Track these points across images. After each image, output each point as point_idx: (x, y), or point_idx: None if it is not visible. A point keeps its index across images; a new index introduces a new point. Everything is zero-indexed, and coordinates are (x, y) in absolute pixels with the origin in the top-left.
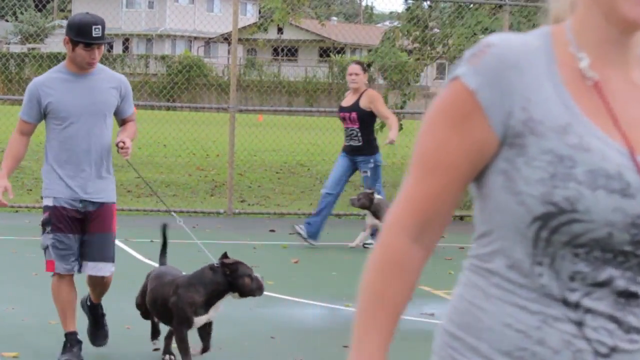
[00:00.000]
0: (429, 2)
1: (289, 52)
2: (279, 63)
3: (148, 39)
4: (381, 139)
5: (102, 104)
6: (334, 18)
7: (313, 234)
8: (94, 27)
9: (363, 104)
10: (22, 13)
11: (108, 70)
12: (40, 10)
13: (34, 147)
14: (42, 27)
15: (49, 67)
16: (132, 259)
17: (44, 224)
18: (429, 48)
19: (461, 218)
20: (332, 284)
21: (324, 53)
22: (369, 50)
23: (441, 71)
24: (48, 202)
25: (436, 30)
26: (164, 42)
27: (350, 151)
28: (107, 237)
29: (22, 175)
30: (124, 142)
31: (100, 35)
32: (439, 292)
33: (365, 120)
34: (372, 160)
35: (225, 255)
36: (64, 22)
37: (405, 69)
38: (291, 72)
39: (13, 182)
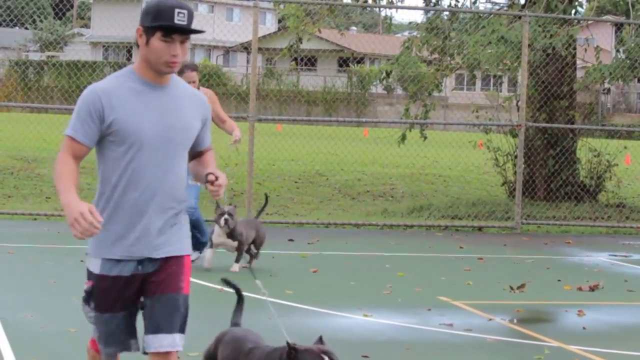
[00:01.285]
0: (448, 13)
1: (308, 61)
2: (298, 72)
3: None
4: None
5: (184, 130)
6: (354, 28)
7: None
8: (177, 10)
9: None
10: (41, 21)
11: (186, 84)
12: (59, 18)
13: (52, 155)
14: (61, 35)
15: (68, 76)
16: None
17: (86, 296)
18: (448, 58)
19: (479, 229)
20: (350, 294)
21: (343, 63)
22: (388, 60)
23: (460, 82)
24: (93, 265)
25: (454, 40)
26: None
27: None
28: (175, 299)
29: (40, 183)
30: (217, 177)
31: (185, 22)
32: (457, 302)
33: None
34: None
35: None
36: (83, 30)
37: (425, 79)
38: (310, 81)
39: (31, 189)
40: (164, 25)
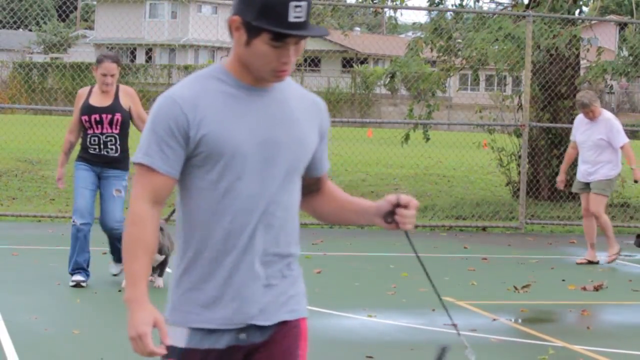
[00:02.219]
0: (452, 13)
1: (312, 62)
2: (302, 73)
3: (171, 49)
4: None
5: (298, 147)
6: (357, 28)
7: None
8: (292, 4)
9: (125, 103)
10: (45, 23)
11: (295, 84)
12: (63, 20)
13: (55, 157)
14: (65, 37)
15: (72, 77)
16: None
17: None
18: (452, 58)
19: (484, 229)
20: (355, 295)
21: (347, 63)
22: (392, 61)
23: (464, 82)
24: (176, 336)
25: (459, 40)
26: (187, 52)
27: (101, 163)
28: None
29: (44, 184)
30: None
31: (303, 19)
32: (462, 302)
33: (127, 125)
34: (126, 178)
35: None
36: (87, 32)
37: (429, 80)
38: (314, 82)
39: (35, 191)
40: (275, 29)
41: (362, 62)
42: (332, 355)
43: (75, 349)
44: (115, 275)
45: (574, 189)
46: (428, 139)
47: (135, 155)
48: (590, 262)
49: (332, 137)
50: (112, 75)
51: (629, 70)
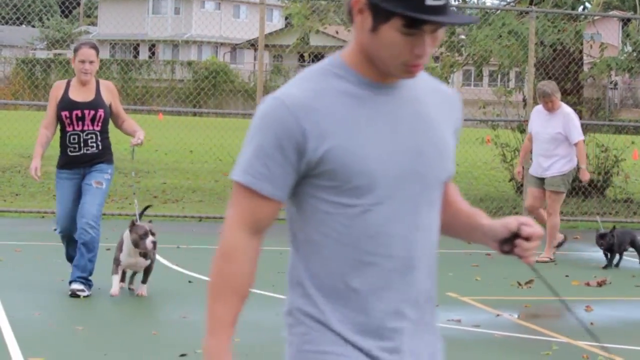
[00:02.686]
0: (454, 8)
1: (316, 57)
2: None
3: (174, 45)
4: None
5: (440, 155)
6: None
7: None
8: None
9: (106, 98)
10: (48, 19)
11: (425, 75)
12: (66, 16)
13: (58, 153)
14: (68, 33)
15: (74, 74)
16: (159, 264)
17: None
18: (456, 54)
19: None
20: None
21: None
22: None
23: (467, 77)
24: None
25: (462, 36)
26: (190, 48)
27: (83, 163)
28: None
29: (48, 180)
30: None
31: (442, 2)
32: (465, 298)
33: (108, 121)
34: (109, 171)
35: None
36: (90, 28)
37: (432, 75)
38: None
39: (39, 187)
40: (408, 14)
41: None
42: None
43: (78, 345)
44: (73, 294)
45: (526, 183)
46: None
47: (233, 172)
48: (551, 260)
49: None
50: (91, 62)
51: (633, 66)
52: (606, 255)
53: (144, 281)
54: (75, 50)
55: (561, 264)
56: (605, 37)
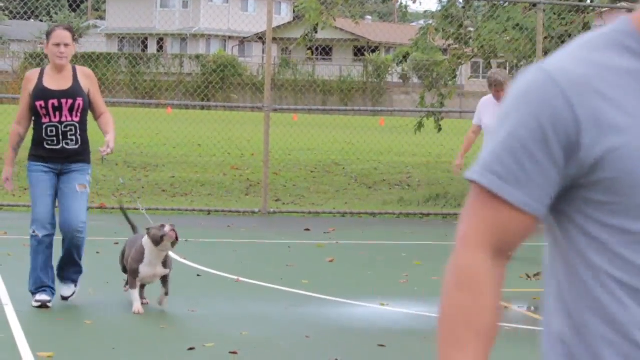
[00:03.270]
0: (462, 1)
1: (324, 51)
2: (314, 62)
3: (182, 39)
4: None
5: None
6: (369, 17)
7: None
8: None
9: (84, 85)
10: (56, 13)
11: None
12: (74, 11)
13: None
14: (77, 27)
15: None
16: None
17: None
18: (464, 46)
19: None
20: (367, 283)
21: (359, 52)
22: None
23: (475, 70)
24: None
25: (470, 29)
26: (199, 42)
27: (61, 158)
28: None
29: None
30: None
31: None
32: None
33: (87, 112)
34: (90, 172)
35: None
36: (98, 22)
37: (441, 67)
38: (326, 71)
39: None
40: None
41: (373, 51)
42: (344, 344)
43: (87, 340)
44: (66, 298)
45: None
46: (440, 129)
47: (471, 169)
48: None
49: (344, 125)
50: (67, 46)
51: None
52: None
53: (167, 292)
54: (49, 34)
55: None
56: None
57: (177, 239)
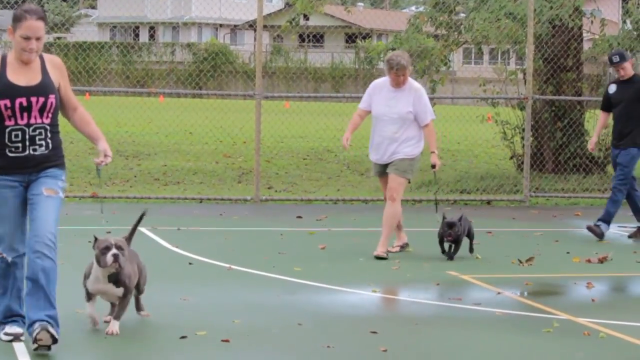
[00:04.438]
0: None
1: (315, 38)
2: (305, 49)
3: (174, 27)
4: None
5: None
6: (360, 4)
7: None
8: None
9: (55, 78)
10: (47, 2)
11: None
12: (65, 0)
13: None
14: (68, 16)
15: (75, 57)
16: (159, 246)
17: None
18: (455, 33)
19: (488, 202)
20: (358, 270)
21: (350, 39)
22: (395, 36)
23: (467, 56)
24: None
25: (462, 14)
26: (190, 30)
27: (29, 167)
28: None
29: None
30: None
31: None
32: (466, 276)
33: (58, 111)
34: (63, 178)
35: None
36: (90, 12)
37: (432, 55)
38: (317, 58)
39: None
40: None
41: (365, 38)
42: (336, 331)
43: (78, 328)
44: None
45: (375, 172)
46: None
47: None
48: (402, 248)
49: (336, 112)
50: (38, 39)
51: (633, 44)
52: (446, 247)
53: (116, 316)
54: (17, 20)
55: (562, 241)
56: (605, 13)
57: (118, 267)
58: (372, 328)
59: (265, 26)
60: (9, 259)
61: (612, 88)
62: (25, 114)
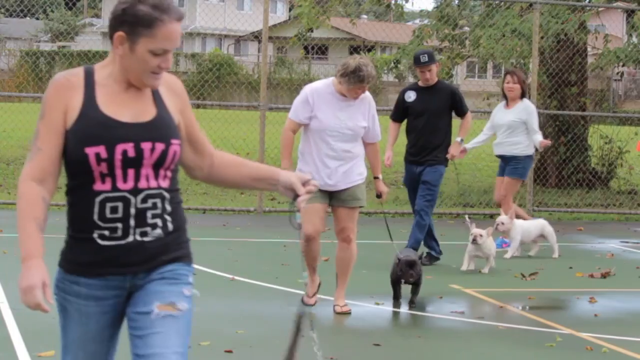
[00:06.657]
0: (457, 1)
1: (319, 50)
2: (309, 61)
3: None
4: None
5: None
6: (364, 16)
7: None
8: None
9: (174, 109)
10: (52, 11)
11: None
12: (70, 9)
13: None
14: (73, 25)
15: (79, 66)
16: None
17: None
18: (459, 46)
19: (491, 216)
20: (361, 282)
21: (354, 51)
22: (399, 48)
23: (471, 69)
24: None
25: (466, 28)
26: (194, 40)
27: (134, 265)
28: None
29: None
30: None
31: None
32: (469, 290)
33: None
34: (191, 280)
35: None
36: (95, 20)
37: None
38: (321, 70)
39: None
40: None
41: (369, 50)
42: (339, 343)
43: None
44: None
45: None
46: None
47: None
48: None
49: None
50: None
51: (639, 57)
52: (397, 288)
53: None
54: (145, 24)
55: (565, 256)
56: (609, 28)
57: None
58: (375, 340)
59: (269, 37)
60: None
61: (411, 96)
62: (131, 172)
